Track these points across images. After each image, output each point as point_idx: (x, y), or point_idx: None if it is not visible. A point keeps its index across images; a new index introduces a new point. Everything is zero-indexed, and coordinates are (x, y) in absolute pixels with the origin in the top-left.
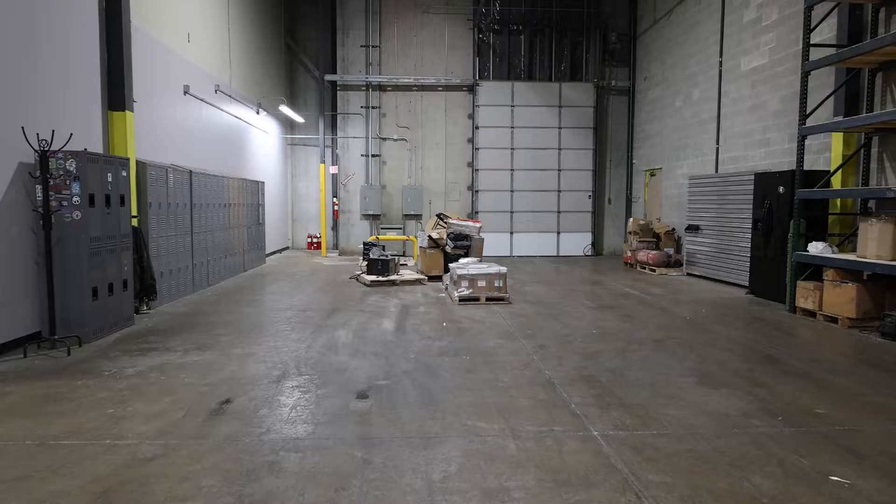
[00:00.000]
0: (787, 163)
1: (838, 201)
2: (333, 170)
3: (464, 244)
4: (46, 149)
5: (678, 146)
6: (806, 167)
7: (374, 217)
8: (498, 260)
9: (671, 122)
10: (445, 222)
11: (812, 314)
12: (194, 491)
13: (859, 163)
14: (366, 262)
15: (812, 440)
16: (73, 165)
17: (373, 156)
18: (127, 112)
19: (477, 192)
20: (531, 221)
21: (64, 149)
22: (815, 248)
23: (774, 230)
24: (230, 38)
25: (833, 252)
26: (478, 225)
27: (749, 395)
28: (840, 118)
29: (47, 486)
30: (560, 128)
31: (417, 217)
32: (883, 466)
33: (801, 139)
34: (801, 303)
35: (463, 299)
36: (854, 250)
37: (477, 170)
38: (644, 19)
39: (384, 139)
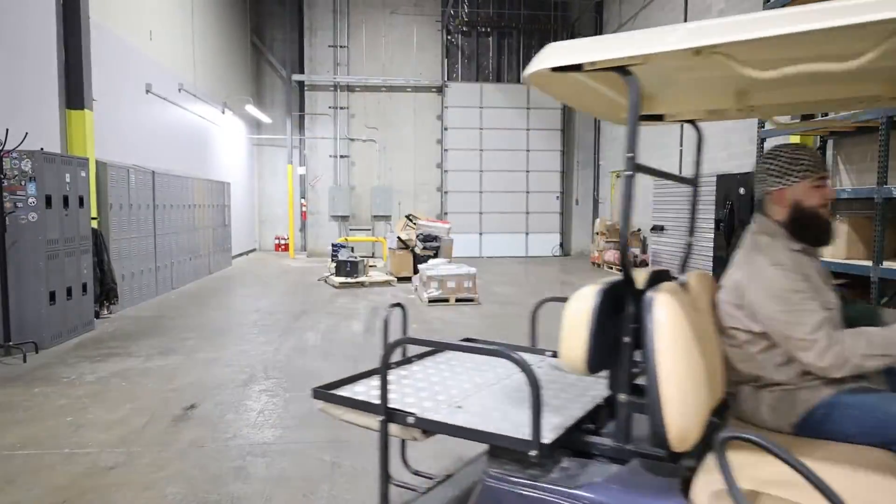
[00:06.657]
0: (748, 164)
1: None
2: (301, 170)
3: (433, 245)
4: (0, 148)
5: (648, 145)
6: None
7: (343, 218)
8: (467, 261)
9: None
10: (415, 223)
11: None
12: (158, 499)
13: None
14: (334, 264)
15: None
16: (29, 165)
17: (341, 157)
18: (86, 110)
19: (446, 193)
20: (500, 222)
21: (19, 148)
22: None
23: (735, 230)
24: (194, 37)
25: None
26: (447, 226)
27: None
28: (797, 120)
29: (1, 499)
30: (528, 129)
31: (386, 218)
32: None
33: (761, 142)
34: None
35: (433, 300)
36: None
37: (446, 171)
38: (610, 23)
39: (353, 140)
